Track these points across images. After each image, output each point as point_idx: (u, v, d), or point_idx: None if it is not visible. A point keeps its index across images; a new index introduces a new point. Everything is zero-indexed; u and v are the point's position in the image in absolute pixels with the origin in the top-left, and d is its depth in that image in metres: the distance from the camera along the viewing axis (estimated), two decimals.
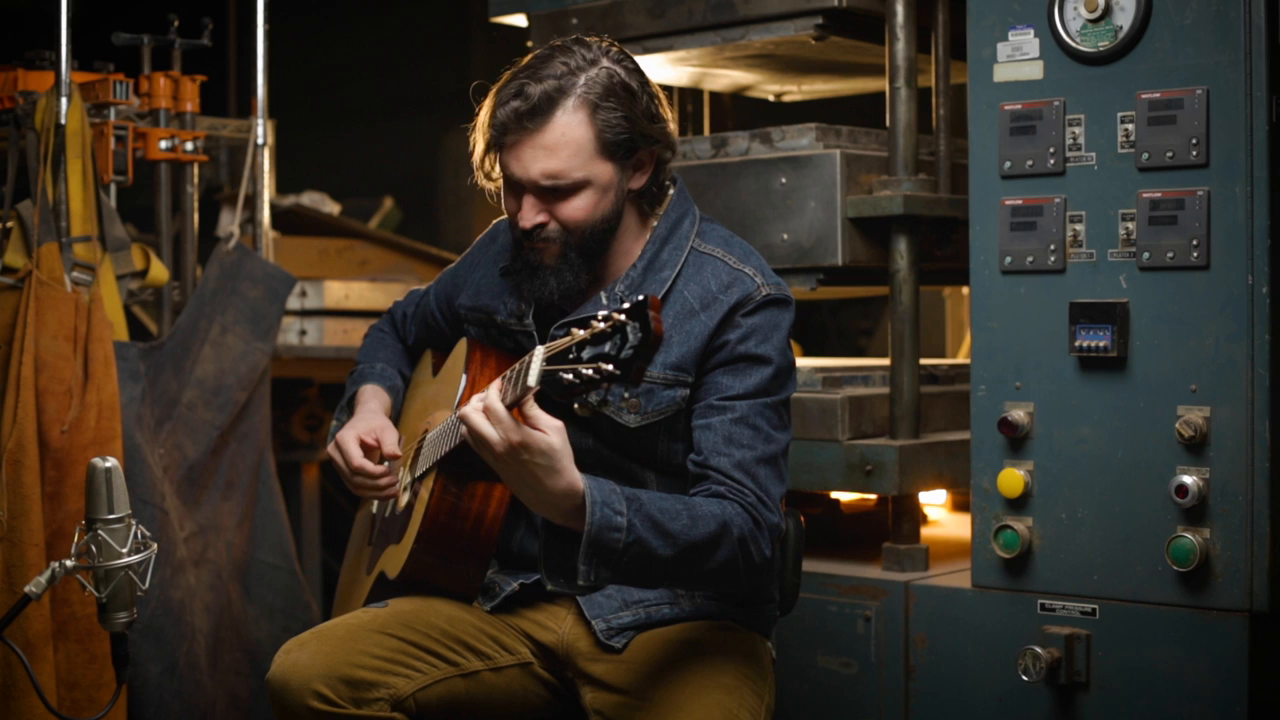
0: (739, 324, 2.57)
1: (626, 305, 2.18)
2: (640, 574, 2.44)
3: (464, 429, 2.33)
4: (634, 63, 2.61)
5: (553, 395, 2.20)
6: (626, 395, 2.57)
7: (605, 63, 2.55)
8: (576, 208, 2.55)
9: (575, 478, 2.33)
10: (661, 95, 2.64)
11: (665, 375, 2.57)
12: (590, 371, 2.17)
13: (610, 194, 2.57)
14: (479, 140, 2.63)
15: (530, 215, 2.56)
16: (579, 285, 2.60)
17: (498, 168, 2.63)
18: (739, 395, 2.55)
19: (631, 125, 2.55)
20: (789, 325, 2.61)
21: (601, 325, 2.18)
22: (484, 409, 2.30)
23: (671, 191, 2.70)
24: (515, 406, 2.31)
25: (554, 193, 2.54)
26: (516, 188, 2.58)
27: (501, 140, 2.55)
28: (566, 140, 2.51)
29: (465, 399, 2.58)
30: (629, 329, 2.17)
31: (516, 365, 2.31)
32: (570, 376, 2.18)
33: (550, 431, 2.29)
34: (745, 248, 2.67)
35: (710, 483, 2.52)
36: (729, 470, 2.51)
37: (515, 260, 2.64)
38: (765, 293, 2.59)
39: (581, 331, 2.20)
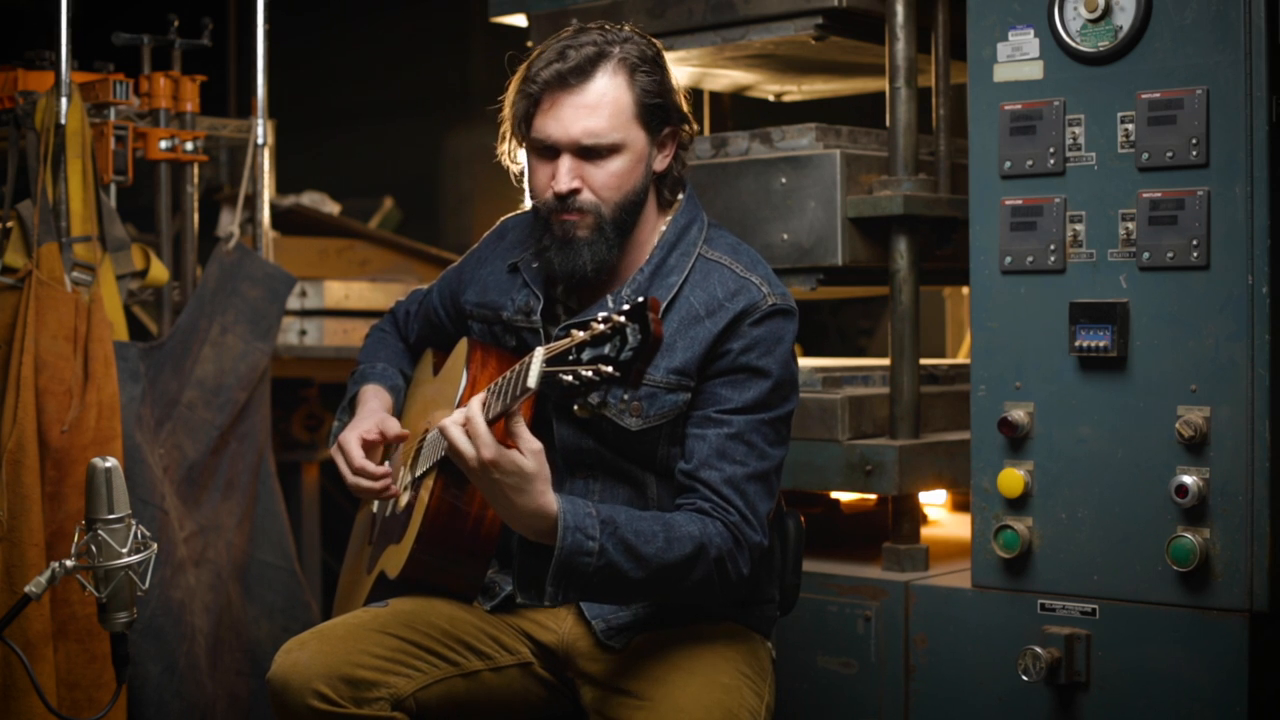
0: (744, 333, 2.56)
1: (627, 307, 2.18)
2: (610, 593, 2.50)
3: (444, 441, 2.37)
4: (657, 47, 2.65)
5: (552, 396, 2.21)
6: (626, 398, 2.57)
7: (636, 38, 2.61)
8: (611, 173, 2.56)
9: (548, 501, 2.36)
10: (679, 84, 2.68)
11: (668, 380, 2.56)
12: (589, 373, 2.17)
13: (641, 166, 2.59)
14: (507, 114, 2.64)
15: (566, 179, 2.56)
16: (611, 260, 2.60)
17: (520, 153, 2.64)
18: (737, 409, 2.55)
19: (665, 94, 2.59)
20: (793, 336, 2.62)
21: (601, 327, 2.18)
22: (463, 422, 2.33)
23: (681, 196, 2.71)
24: (504, 417, 2.32)
25: (591, 154, 2.55)
26: (550, 152, 2.58)
27: (540, 99, 2.56)
28: (608, 100, 2.54)
29: (466, 398, 2.58)
30: (629, 330, 2.17)
31: (516, 367, 2.31)
32: (570, 378, 2.19)
33: (526, 453, 2.32)
34: (752, 255, 2.67)
35: (697, 496, 2.53)
36: (718, 485, 2.52)
37: (545, 236, 2.63)
38: (771, 302, 2.59)
39: (581, 333, 2.20)
